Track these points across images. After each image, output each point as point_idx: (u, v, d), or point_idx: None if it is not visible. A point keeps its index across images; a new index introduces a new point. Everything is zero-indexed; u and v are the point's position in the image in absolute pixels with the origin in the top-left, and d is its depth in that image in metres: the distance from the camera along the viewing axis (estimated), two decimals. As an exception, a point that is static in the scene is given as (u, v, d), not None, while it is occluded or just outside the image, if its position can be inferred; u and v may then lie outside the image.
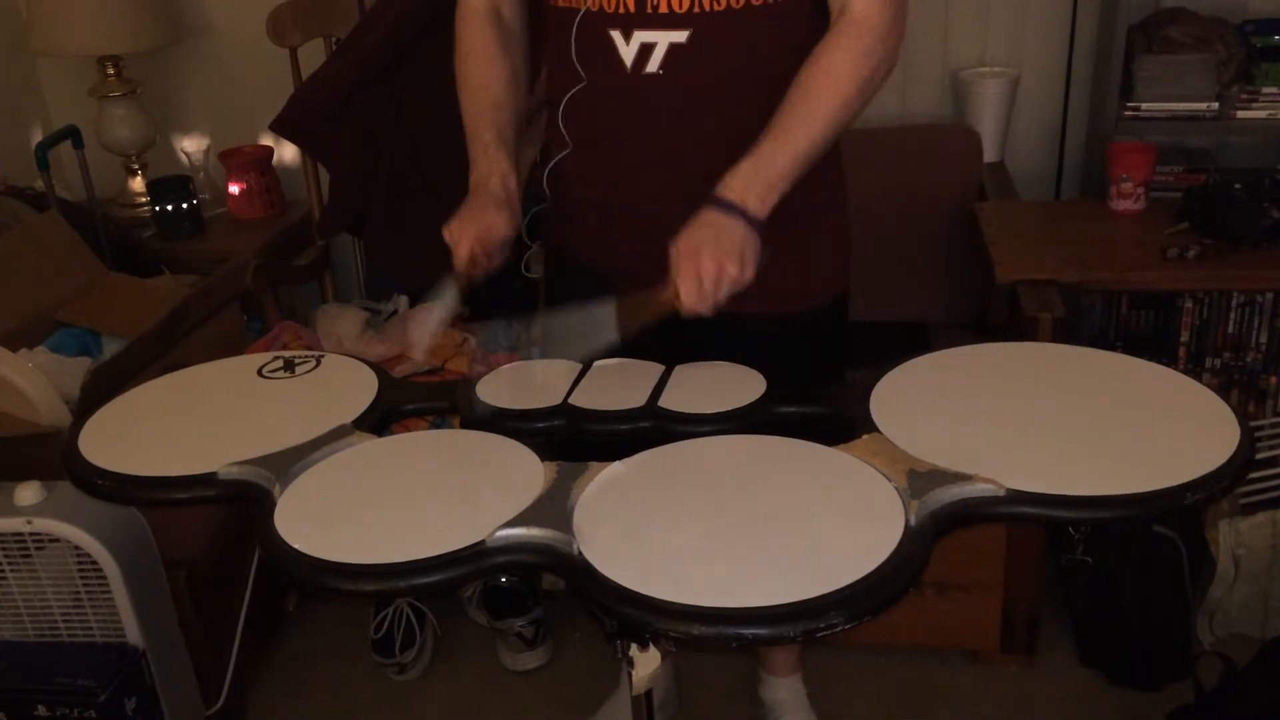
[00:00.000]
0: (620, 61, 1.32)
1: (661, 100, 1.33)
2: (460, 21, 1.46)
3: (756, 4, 1.29)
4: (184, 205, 2.66)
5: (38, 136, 2.82)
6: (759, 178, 1.24)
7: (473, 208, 1.36)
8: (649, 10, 1.29)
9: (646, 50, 1.31)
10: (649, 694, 1.17)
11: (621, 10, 1.30)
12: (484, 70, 1.43)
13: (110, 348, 2.16)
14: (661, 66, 1.31)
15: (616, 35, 1.31)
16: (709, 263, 1.19)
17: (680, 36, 1.30)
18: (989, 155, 2.50)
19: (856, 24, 1.28)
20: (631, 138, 1.37)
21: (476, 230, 1.34)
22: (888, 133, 2.44)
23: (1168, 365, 1.26)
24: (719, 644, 0.90)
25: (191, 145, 2.91)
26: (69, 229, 2.39)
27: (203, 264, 2.56)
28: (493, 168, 1.38)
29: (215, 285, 2.28)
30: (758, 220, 1.23)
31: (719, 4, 1.28)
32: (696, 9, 1.29)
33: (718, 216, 1.23)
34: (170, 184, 2.67)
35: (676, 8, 1.29)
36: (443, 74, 2.24)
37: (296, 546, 1.01)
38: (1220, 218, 2.04)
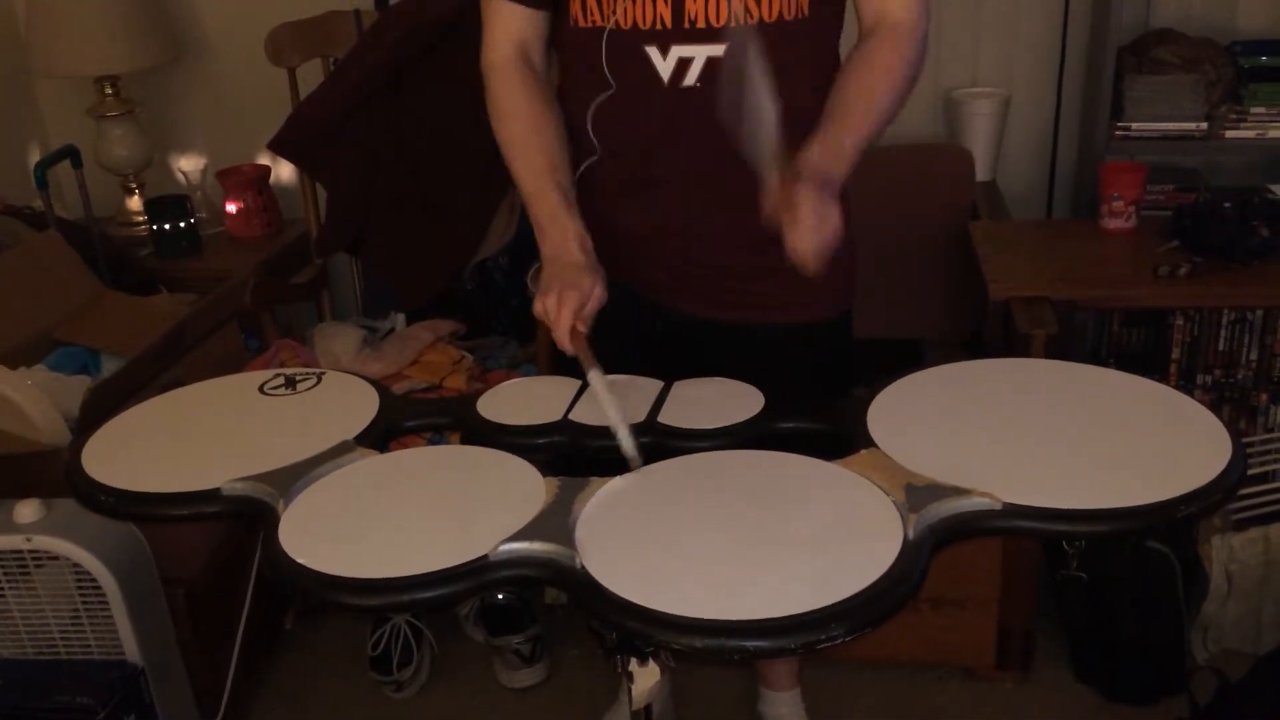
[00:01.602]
0: (656, 76, 1.34)
1: (698, 113, 1.35)
2: (495, 77, 1.41)
3: (789, 19, 1.33)
4: (181, 224, 2.67)
5: (36, 156, 2.83)
6: (830, 155, 1.24)
7: (561, 279, 1.28)
8: (686, 26, 1.32)
9: (684, 64, 1.33)
10: (648, 708, 1.17)
11: (659, 26, 1.32)
12: (536, 129, 1.39)
13: (109, 366, 2.16)
14: (699, 80, 1.34)
15: (653, 51, 1.33)
16: (830, 203, 1.17)
17: (718, 50, 1.32)
18: (981, 174, 2.52)
19: (897, 29, 1.33)
20: (665, 150, 1.39)
21: (575, 301, 1.26)
22: (881, 152, 2.42)
23: (1159, 382, 1.27)
24: (720, 656, 0.91)
25: (189, 164, 2.92)
26: (67, 248, 2.40)
27: (200, 283, 2.57)
28: (567, 233, 1.33)
29: (214, 304, 2.29)
30: (835, 181, 1.22)
31: (752, 18, 1.32)
32: (733, 24, 1.31)
33: (808, 178, 1.19)
34: (168, 203, 2.68)
35: (714, 22, 1.31)
36: (441, 95, 2.28)
37: (301, 561, 1.02)
38: (1210, 236, 2.06)
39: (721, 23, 1.31)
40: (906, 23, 1.34)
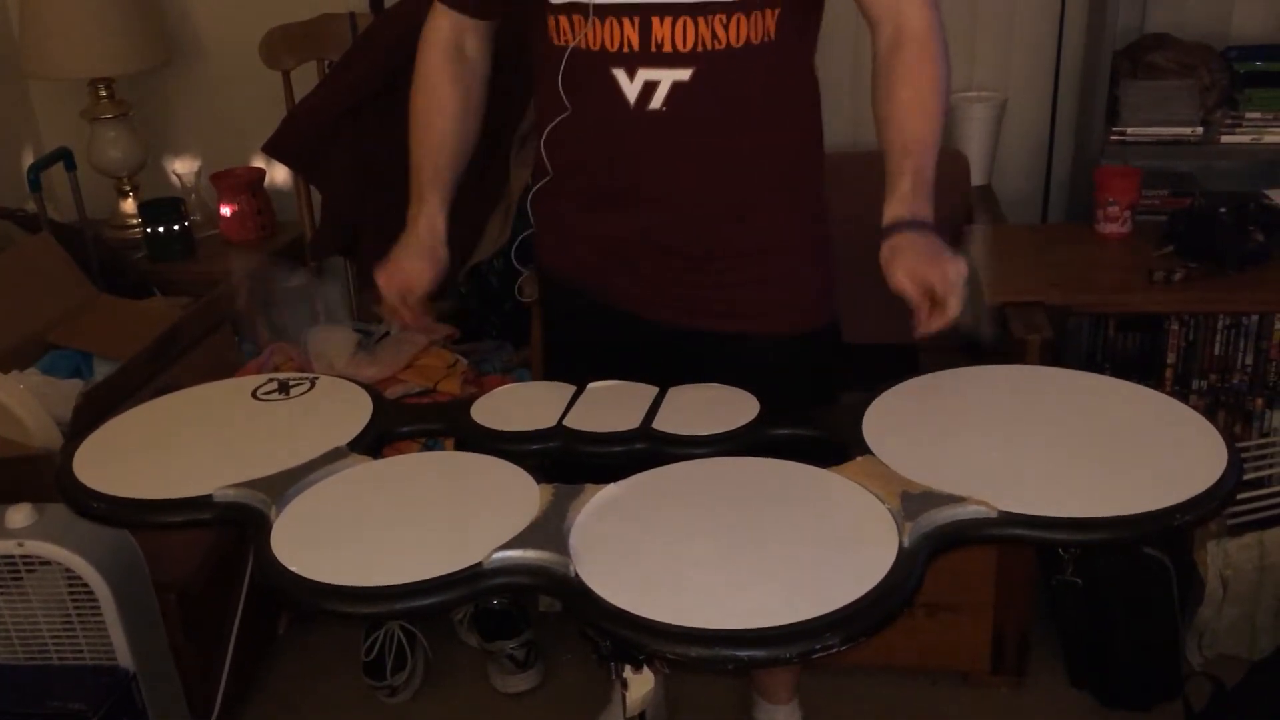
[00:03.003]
0: (623, 98, 1.34)
1: (663, 136, 1.35)
2: (419, 53, 1.48)
3: (756, 43, 1.32)
4: (175, 227, 2.66)
5: (29, 159, 2.82)
6: (922, 192, 1.28)
7: (398, 256, 1.43)
8: (653, 49, 1.31)
9: (650, 88, 1.33)
10: (642, 715, 1.17)
11: (626, 49, 1.31)
12: (432, 106, 1.46)
13: (102, 370, 2.15)
14: (665, 104, 1.33)
15: (620, 73, 1.33)
16: (951, 265, 1.22)
17: (684, 75, 1.32)
18: (976, 178, 2.52)
19: (922, 37, 1.32)
20: (630, 171, 1.38)
21: (399, 282, 1.42)
22: (877, 156, 2.45)
23: (1154, 387, 1.27)
24: (715, 665, 0.91)
25: (183, 167, 2.91)
26: (61, 251, 2.39)
27: (194, 286, 2.56)
28: (422, 211, 1.45)
29: (207, 307, 2.28)
30: (930, 222, 1.28)
31: (720, 43, 1.31)
32: (700, 48, 1.31)
33: (915, 235, 1.25)
34: (162, 206, 2.67)
35: (681, 47, 1.30)
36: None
37: (293, 569, 1.01)
38: (1205, 241, 2.06)
39: (689, 47, 1.31)
40: (928, 28, 1.32)
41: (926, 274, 1.21)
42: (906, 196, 1.28)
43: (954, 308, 1.21)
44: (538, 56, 1.42)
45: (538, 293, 1.72)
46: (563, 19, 1.33)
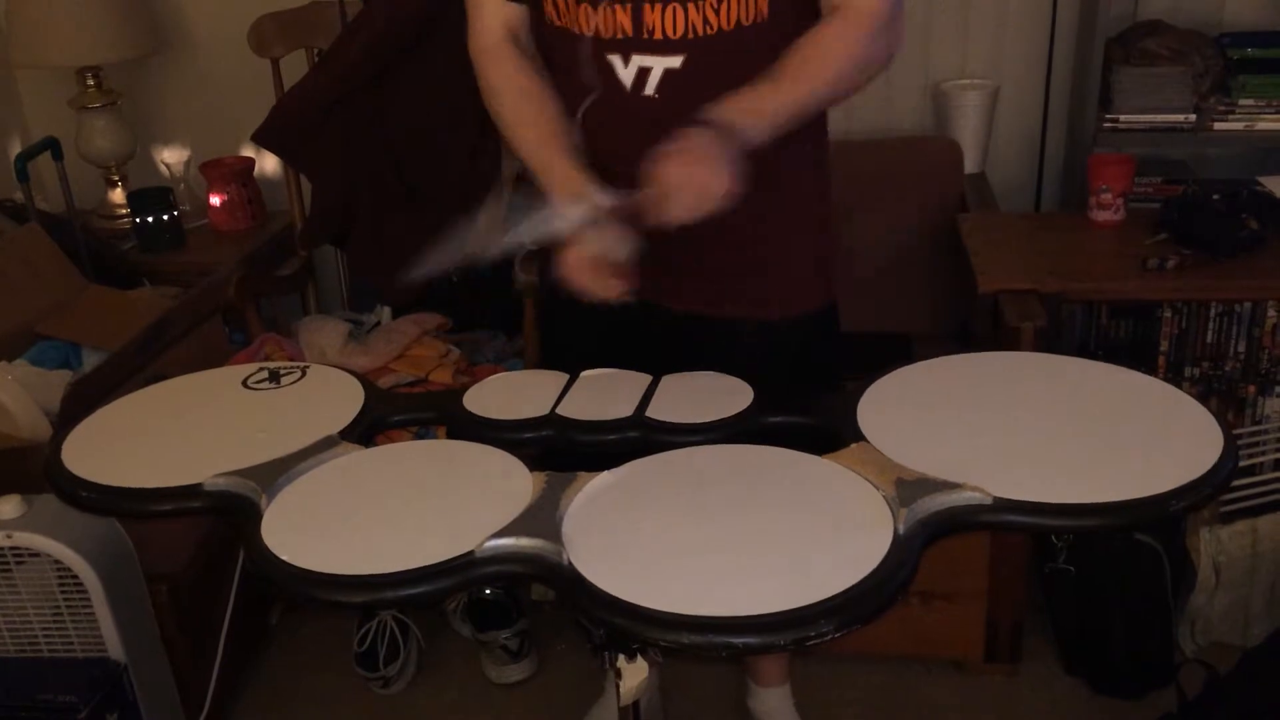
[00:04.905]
0: (620, 83, 1.33)
1: (658, 122, 1.33)
2: (485, 59, 1.40)
3: (746, 24, 1.31)
4: (165, 217, 2.64)
5: (17, 148, 2.80)
6: (744, 111, 1.22)
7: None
8: (644, 36, 1.30)
9: (643, 74, 1.33)
10: (636, 705, 1.16)
11: (620, 36, 1.31)
12: (530, 101, 1.38)
13: (91, 360, 2.14)
14: (657, 90, 1.33)
15: (615, 59, 1.33)
16: (708, 174, 1.17)
17: (675, 62, 1.31)
18: (970, 167, 2.51)
19: (857, 12, 1.28)
20: (629, 155, 1.37)
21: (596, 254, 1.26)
22: (869, 144, 2.46)
23: (1148, 375, 1.27)
24: (709, 653, 0.91)
25: (172, 156, 2.90)
26: (49, 241, 2.37)
27: (184, 276, 2.55)
28: (583, 190, 1.29)
29: (197, 297, 2.27)
30: (742, 137, 1.20)
31: (710, 28, 1.30)
32: (690, 34, 1.30)
33: (711, 136, 1.19)
34: (151, 195, 2.66)
35: (671, 34, 1.30)
36: (424, 87, 2.26)
37: (284, 558, 1.01)
38: (1198, 229, 2.06)
39: (679, 34, 1.29)
40: (865, 7, 1.28)
41: (693, 168, 1.17)
42: (739, 103, 1.22)
43: (673, 210, 1.18)
44: (541, 41, 1.41)
45: (535, 277, 1.71)
46: (560, 1, 1.32)
